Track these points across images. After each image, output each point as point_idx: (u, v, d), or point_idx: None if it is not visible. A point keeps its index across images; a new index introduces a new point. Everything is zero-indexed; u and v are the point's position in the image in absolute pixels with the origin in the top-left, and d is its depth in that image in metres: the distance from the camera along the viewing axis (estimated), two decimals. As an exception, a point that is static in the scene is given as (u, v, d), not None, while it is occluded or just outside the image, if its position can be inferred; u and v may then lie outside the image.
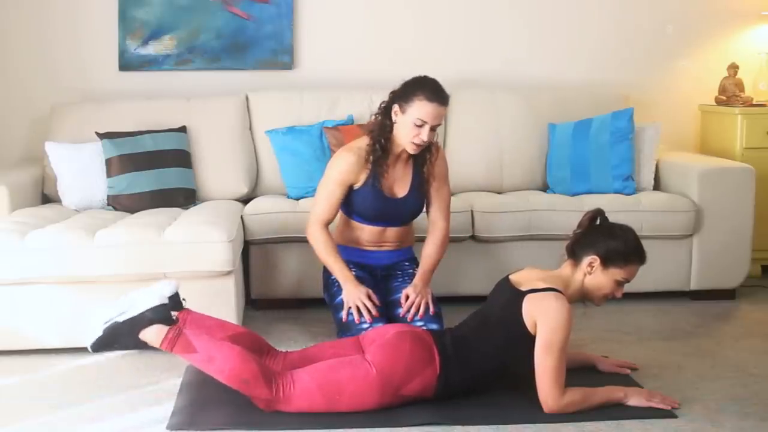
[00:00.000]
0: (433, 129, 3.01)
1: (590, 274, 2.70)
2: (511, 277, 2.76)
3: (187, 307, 2.84)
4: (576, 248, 2.74)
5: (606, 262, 2.69)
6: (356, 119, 4.07)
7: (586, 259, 2.70)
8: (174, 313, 2.76)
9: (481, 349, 2.69)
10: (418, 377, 2.62)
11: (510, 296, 2.67)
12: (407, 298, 3.07)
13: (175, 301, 2.80)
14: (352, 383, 2.58)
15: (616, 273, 2.70)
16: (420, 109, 2.97)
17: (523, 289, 2.65)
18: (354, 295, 3.03)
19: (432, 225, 3.25)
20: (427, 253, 3.21)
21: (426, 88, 2.99)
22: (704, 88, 4.55)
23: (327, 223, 3.14)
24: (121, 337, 2.67)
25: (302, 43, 4.41)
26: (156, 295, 2.71)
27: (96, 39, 4.30)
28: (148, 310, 2.67)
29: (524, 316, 2.61)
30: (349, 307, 3.02)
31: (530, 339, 2.61)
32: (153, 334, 2.65)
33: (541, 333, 2.57)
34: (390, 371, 2.60)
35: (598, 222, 2.78)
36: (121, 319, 2.65)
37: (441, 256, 3.23)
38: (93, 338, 2.67)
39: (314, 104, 4.14)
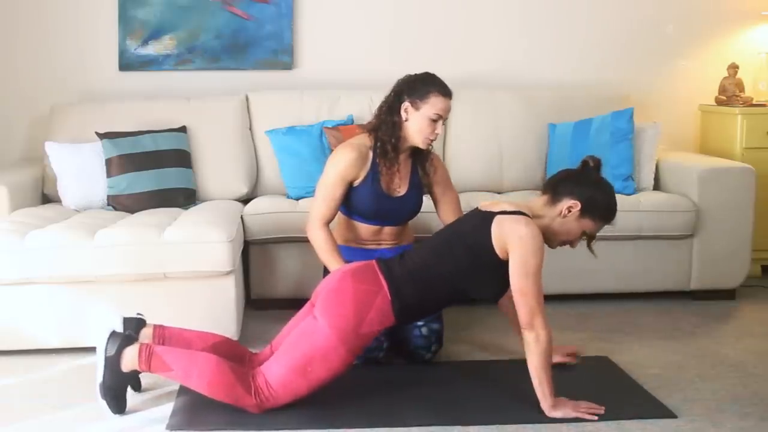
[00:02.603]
0: (443, 122, 3.08)
1: (564, 217, 2.68)
2: (480, 204, 2.76)
3: (157, 323, 2.83)
4: (560, 186, 2.71)
5: (584, 211, 2.67)
6: (356, 119, 4.07)
7: (567, 202, 2.66)
8: (137, 328, 2.76)
9: (439, 265, 2.67)
10: (372, 310, 2.61)
11: (478, 217, 2.67)
12: None
13: (132, 323, 2.78)
14: (314, 351, 2.57)
15: (587, 225, 2.69)
16: (437, 104, 3.02)
17: (494, 210, 2.65)
18: None
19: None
20: None
21: (436, 84, 3.05)
22: (704, 88, 4.56)
23: (327, 222, 3.13)
24: (116, 386, 2.64)
25: (302, 43, 4.41)
26: (104, 333, 2.67)
27: (96, 39, 4.30)
28: (106, 349, 2.63)
29: (493, 238, 2.60)
30: None
31: (495, 263, 2.61)
32: (129, 360, 2.62)
33: (516, 258, 2.56)
34: (340, 319, 2.58)
35: (590, 166, 2.74)
36: (100, 377, 2.63)
37: None
38: (106, 409, 2.64)
39: (314, 104, 4.15)
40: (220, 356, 2.65)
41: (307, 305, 2.81)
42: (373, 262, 2.74)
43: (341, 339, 2.57)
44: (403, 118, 3.05)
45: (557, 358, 2.95)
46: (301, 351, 2.58)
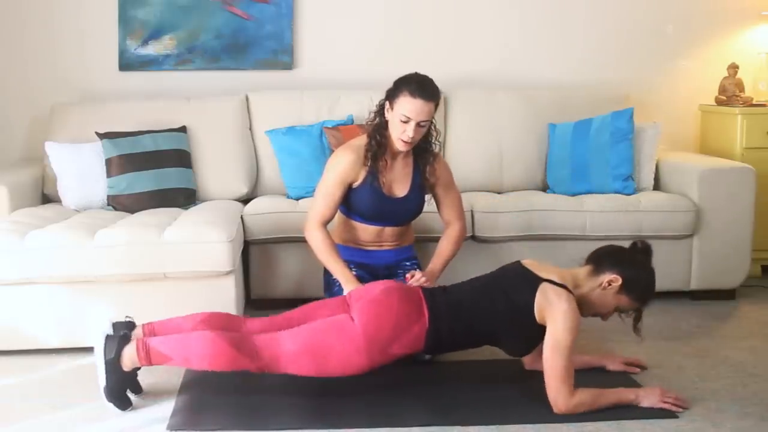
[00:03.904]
0: (420, 125, 2.99)
1: (604, 289, 2.70)
2: (523, 261, 2.78)
3: (146, 322, 2.81)
4: (604, 258, 2.74)
5: (624, 287, 2.69)
6: (356, 119, 4.07)
7: (609, 275, 2.69)
8: (130, 327, 2.75)
9: (478, 310, 2.71)
10: (407, 333, 2.63)
11: (526, 277, 2.69)
12: (412, 276, 3.07)
13: (121, 326, 2.76)
14: (338, 345, 2.59)
15: (624, 301, 2.72)
16: (404, 105, 2.96)
17: (541, 275, 2.66)
18: None
19: (446, 225, 3.28)
20: (441, 249, 3.24)
21: (411, 83, 2.98)
22: (704, 88, 4.55)
23: (325, 223, 3.13)
24: (119, 388, 2.66)
25: (302, 43, 4.41)
26: (99, 338, 2.67)
27: (96, 39, 4.30)
28: (104, 353, 2.63)
29: (535, 303, 2.62)
30: None
31: (531, 324, 2.64)
32: (129, 360, 2.63)
33: (551, 334, 2.59)
34: (376, 330, 2.60)
35: (638, 247, 2.77)
36: (103, 381, 2.64)
37: (455, 252, 3.24)
38: (113, 409, 2.65)
39: (314, 104, 4.15)
40: (213, 329, 2.65)
41: (339, 300, 2.82)
42: (419, 288, 2.79)
43: (368, 349, 2.59)
44: (386, 118, 3.05)
45: (617, 366, 2.98)
46: (325, 340, 2.59)
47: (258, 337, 2.64)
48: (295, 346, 2.59)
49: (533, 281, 2.65)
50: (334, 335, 2.60)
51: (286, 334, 2.64)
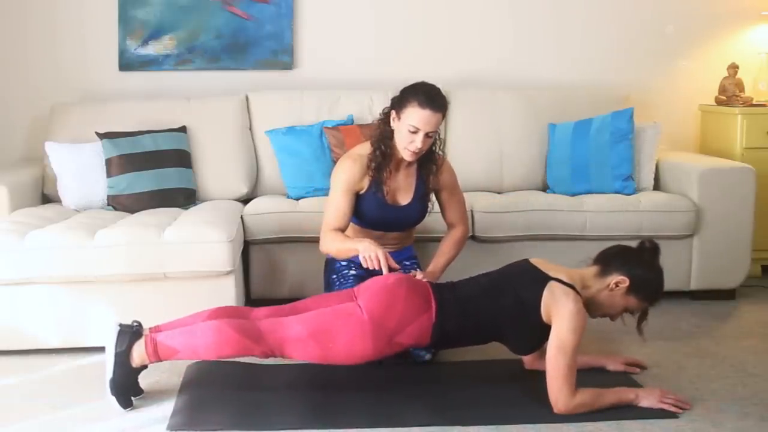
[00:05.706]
0: (428, 136, 2.96)
1: (611, 290, 2.70)
2: (531, 260, 2.77)
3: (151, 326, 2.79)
4: (612, 260, 2.73)
5: (631, 288, 2.69)
6: (356, 119, 4.08)
7: (616, 276, 2.68)
8: (140, 326, 2.74)
9: (485, 306, 2.70)
10: (413, 324, 2.64)
11: (534, 275, 2.69)
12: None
13: (128, 325, 2.74)
14: (344, 331, 2.59)
15: (632, 302, 2.72)
16: (412, 115, 2.92)
17: (549, 274, 2.66)
18: (371, 249, 2.87)
19: (449, 227, 3.28)
20: (442, 250, 3.22)
21: (420, 93, 2.93)
22: (704, 88, 4.55)
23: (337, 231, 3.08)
24: (125, 383, 2.66)
25: (302, 43, 4.41)
26: (111, 333, 2.67)
27: (96, 39, 4.30)
28: (116, 345, 2.64)
29: (542, 301, 2.62)
30: (365, 257, 2.87)
31: (537, 322, 2.64)
32: (138, 356, 2.65)
33: (556, 333, 2.58)
34: (382, 318, 2.61)
35: (646, 247, 2.75)
36: (110, 373, 2.64)
37: (456, 254, 3.23)
38: (115, 404, 2.66)
39: (314, 104, 4.15)
40: (219, 318, 2.67)
41: (347, 291, 2.83)
42: (427, 283, 2.79)
43: (374, 337, 2.60)
44: (392, 127, 3.02)
45: (617, 366, 2.98)
46: (331, 325, 2.61)
47: (264, 321, 2.66)
48: (302, 329, 2.60)
49: (541, 279, 2.65)
50: (341, 321, 2.61)
51: (292, 318, 2.65)
